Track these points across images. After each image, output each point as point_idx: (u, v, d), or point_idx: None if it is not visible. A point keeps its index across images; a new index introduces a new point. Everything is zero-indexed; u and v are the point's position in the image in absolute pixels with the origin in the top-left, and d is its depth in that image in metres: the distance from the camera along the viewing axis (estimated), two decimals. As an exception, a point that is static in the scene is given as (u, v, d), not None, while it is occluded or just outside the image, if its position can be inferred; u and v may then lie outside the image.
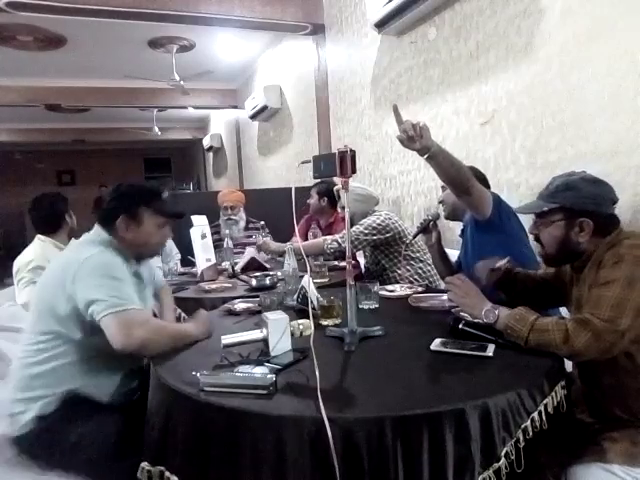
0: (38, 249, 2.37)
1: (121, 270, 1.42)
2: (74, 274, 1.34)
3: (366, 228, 2.50)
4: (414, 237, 2.20)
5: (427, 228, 2.05)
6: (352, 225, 2.58)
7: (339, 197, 2.67)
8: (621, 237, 1.24)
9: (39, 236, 2.42)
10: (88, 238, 1.52)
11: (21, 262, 2.33)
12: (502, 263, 1.55)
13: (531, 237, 1.47)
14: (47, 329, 1.38)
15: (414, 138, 1.48)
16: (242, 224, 3.36)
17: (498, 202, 1.82)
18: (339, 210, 2.87)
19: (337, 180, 2.37)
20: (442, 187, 2.10)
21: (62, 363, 1.39)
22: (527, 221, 1.56)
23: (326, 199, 3.17)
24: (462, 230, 2.08)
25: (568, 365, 1.28)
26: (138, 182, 1.59)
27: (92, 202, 8.54)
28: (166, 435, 1.10)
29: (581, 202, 1.26)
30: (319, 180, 3.13)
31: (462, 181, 1.68)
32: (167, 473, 1.06)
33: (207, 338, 1.46)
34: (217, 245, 2.94)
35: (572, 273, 1.38)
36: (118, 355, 1.35)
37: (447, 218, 2.11)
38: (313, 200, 3.18)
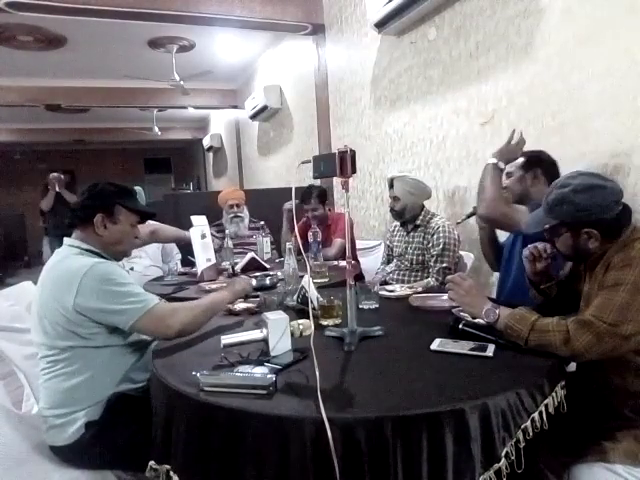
0: None
1: (122, 274, 1.42)
2: (77, 289, 1.33)
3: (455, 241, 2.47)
4: (462, 221, 2.24)
5: (475, 213, 2.06)
6: (402, 216, 2.56)
7: (391, 185, 2.60)
8: (634, 237, 1.22)
9: None
10: (73, 250, 1.46)
11: None
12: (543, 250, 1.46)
13: None
14: (65, 344, 1.37)
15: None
16: (247, 221, 3.38)
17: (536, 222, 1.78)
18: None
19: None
20: (507, 174, 1.96)
21: (96, 369, 1.40)
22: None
23: (326, 202, 3.20)
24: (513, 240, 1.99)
25: (572, 364, 1.28)
26: (112, 182, 1.58)
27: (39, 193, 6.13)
28: (168, 435, 1.10)
29: (579, 216, 1.23)
30: (308, 189, 3.11)
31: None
32: (171, 472, 1.07)
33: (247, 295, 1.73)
34: (220, 245, 2.94)
35: (585, 268, 1.37)
36: (139, 346, 1.46)
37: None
38: (320, 211, 3.10)
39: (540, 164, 1.89)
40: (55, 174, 5.58)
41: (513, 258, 1.94)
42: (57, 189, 5.39)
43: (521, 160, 1.92)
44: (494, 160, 1.83)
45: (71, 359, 1.38)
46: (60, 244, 1.52)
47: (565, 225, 1.27)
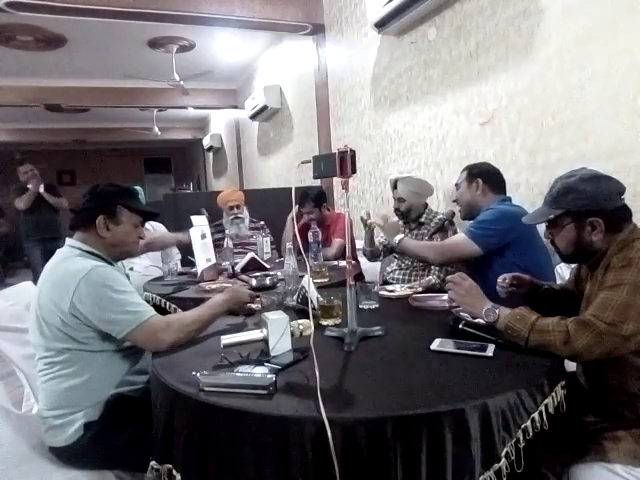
0: None
1: (120, 280, 1.41)
2: (74, 292, 1.32)
3: None
4: (430, 237, 2.20)
5: (443, 227, 2.06)
6: (408, 216, 2.55)
7: (395, 186, 2.59)
8: (633, 237, 1.21)
9: None
10: (73, 251, 1.45)
11: None
12: (501, 282, 1.52)
13: (547, 241, 1.44)
14: (62, 346, 1.37)
15: None
16: (247, 221, 3.39)
17: (483, 235, 1.85)
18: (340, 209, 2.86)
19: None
20: (455, 185, 2.11)
21: (93, 371, 1.39)
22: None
23: (324, 204, 3.20)
24: None
25: (572, 364, 1.28)
26: (113, 182, 1.58)
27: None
28: (169, 435, 1.10)
29: (584, 204, 1.23)
30: (304, 192, 3.13)
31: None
32: (174, 471, 1.06)
33: (245, 311, 1.69)
34: (219, 245, 2.95)
35: (587, 271, 1.36)
36: (135, 351, 1.45)
37: (464, 218, 2.11)
38: (315, 214, 3.13)
39: (480, 174, 2.02)
40: (25, 169, 4.97)
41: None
42: (40, 190, 4.88)
43: (465, 173, 2.06)
44: (399, 237, 2.03)
45: (68, 361, 1.37)
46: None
47: (570, 215, 1.27)
